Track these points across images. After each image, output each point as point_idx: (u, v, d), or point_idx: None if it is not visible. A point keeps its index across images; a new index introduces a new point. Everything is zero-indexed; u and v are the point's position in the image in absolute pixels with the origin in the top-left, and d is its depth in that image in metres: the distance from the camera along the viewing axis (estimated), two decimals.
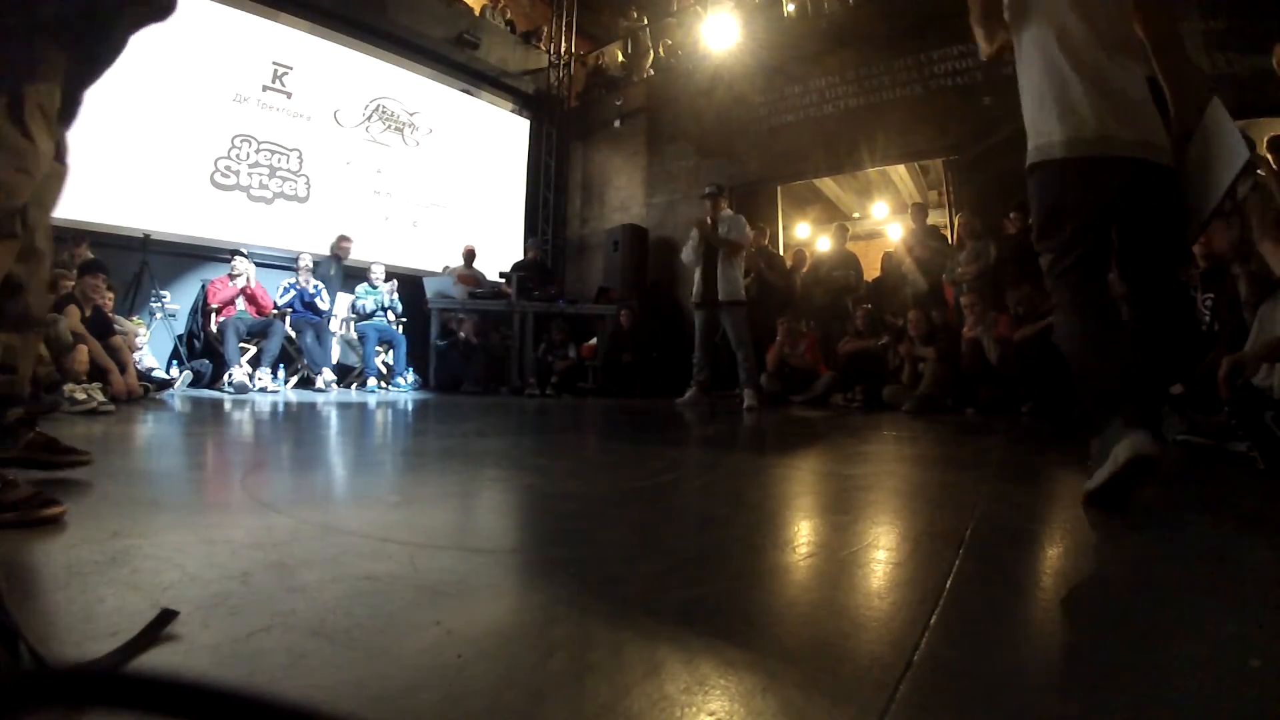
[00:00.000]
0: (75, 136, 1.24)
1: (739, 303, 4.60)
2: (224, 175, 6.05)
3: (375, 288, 6.15)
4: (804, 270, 6.52)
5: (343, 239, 6.19)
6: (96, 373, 3.45)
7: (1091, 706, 0.56)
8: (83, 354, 3.27)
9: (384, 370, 6.10)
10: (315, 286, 5.71)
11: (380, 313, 6.13)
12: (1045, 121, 1.55)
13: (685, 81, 7.65)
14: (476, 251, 7.03)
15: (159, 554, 0.94)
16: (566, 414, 4.11)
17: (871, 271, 6.65)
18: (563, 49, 9.05)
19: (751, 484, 1.76)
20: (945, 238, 5.72)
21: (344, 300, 6.29)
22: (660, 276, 7.31)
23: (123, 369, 3.77)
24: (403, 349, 6.10)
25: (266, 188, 6.33)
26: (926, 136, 5.97)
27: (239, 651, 0.63)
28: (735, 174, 6.94)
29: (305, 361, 5.58)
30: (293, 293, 5.60)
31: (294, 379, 5.68)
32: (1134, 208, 1.51)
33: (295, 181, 6.53)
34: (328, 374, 5.49)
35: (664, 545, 1.11)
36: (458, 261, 6.96)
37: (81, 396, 3.02)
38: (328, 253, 6.16)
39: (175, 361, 5.40)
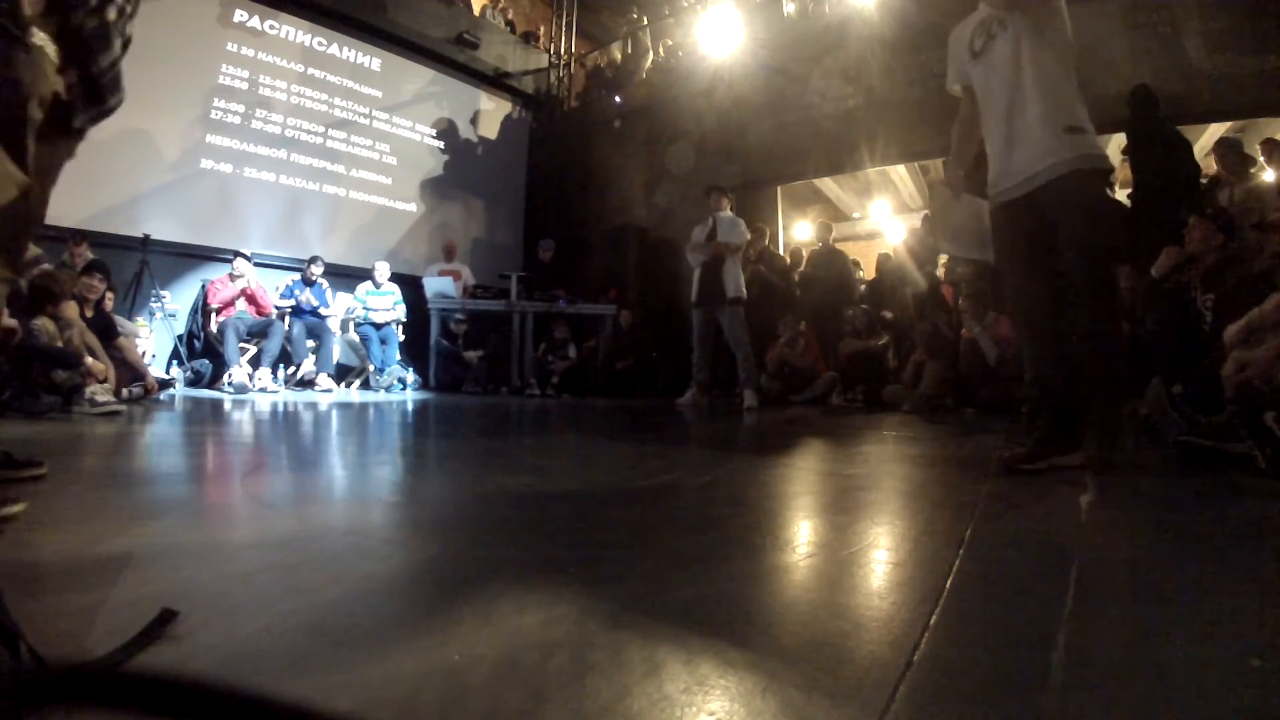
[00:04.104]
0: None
1: (739, 301, 4.60)
2: (223, 174, 6.05)
3: (379, 286, 6.13)
4: (800, 269, 6.52)
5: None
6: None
7: (1091, 706, 0.56)
8: (99, 367, 3.29)
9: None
10: (321, 290, 5.73)
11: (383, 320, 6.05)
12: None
13: (685, 81, 7.64)
14: (458, 247, 7.02)
15: (159, 554, 0.94)
16: (566, 415, 4.11)
17: (869, 272, 6.64)
18: (563, 49, 9.05)
19: (751, 484, 1.76)
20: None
21: (343, 301, 6.28)
22: (660, 276, 7.30)
23: (139, 374, 3.84)
24: (394, 348, 6.07)
25: (267, 188, 6.33)
26: (926, 136, 5.96)
27: (239, 651, 0.63)
28: (735, 174, 6.92)
29: (316, 365, 5.57)
30: (297, 291, 5.60)
31: (297, 376, 5.66)
32: None
33: (295, 181, 6.53)
34: (325, 379, 5.49)
35: (664, 545, 1.11)
36: (442, 260, 6.95)
37: (104, 398, 3.05)
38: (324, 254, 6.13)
39: (175, 361, 5.40)
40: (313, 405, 4.15)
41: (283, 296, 5.61)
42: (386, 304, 6.08)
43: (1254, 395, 1.88)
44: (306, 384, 5.40)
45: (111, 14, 1.11)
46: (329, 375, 5.55)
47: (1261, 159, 4.41)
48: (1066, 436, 1.84)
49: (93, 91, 1.15)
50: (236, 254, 5.43)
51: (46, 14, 1.02)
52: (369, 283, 6.13)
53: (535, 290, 6.41)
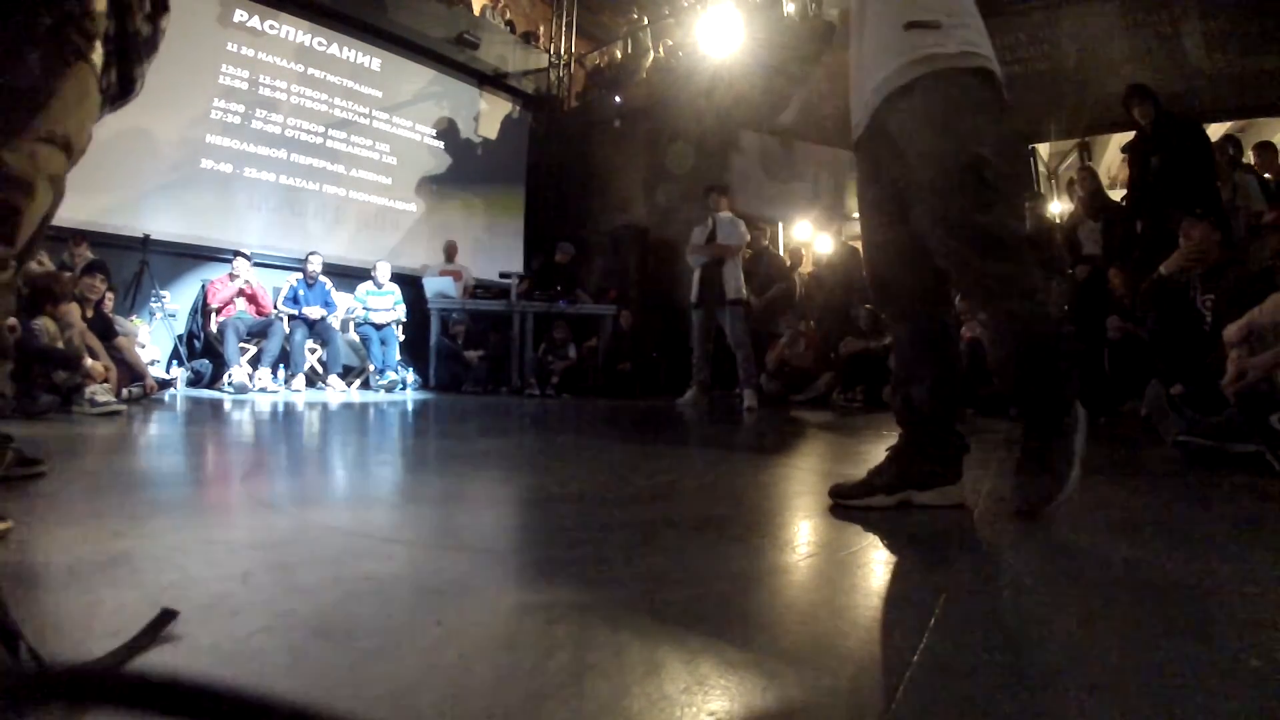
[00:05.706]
0: None
1: (740, 302, 4.60)
2: (223, 174, 6.05)
3: (380, 287, 6.13)
4: (803, 269, 6.53)
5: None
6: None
7: (1091, 706, 0.56)
8: (99, 368, 3.29)
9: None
10: (325, 288, 5.72)
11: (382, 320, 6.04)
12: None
13: (685, 81, 7.64)
14: (459, 247, 7.01)
15: (159, 554, 0.94)
16: (566, 415, 4.11)
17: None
18: (563, 49, 9.05)
19: (751, 484, 1.76)
20: None
21: (343, 301, 6.27)
22: (660, 277, 7.30)
23: (140, 374, 3.85)
24: (394, 348, 6.06)
25: (267, 188, 6.33)
26: None
27: (239, 651, 0.63)
28: None
29: (325, 367, 5.57)
30: (301, 292, 5.60)
31: (294, 382, 5.66)
32: None
33: (295, 181, 6.53)
34: (335, 380, 5.49)
35: (664, 545, 1.11)
36: (443, 260, 6.95)
37: (104, 398, 3.05)
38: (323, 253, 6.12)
39: (175, 361, 5.40)
40: (312, 406, 4.14)
41: (285, 302, 5.58)
42: (387, 304, 6.08)
43: (1257, 399, 1.88)
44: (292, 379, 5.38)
45: (165, 23, 1.11)
46: (338, 376, 5.54)
47: (1254, 161, 4.41)
48: (932, 466, 1.34)
49: (124, 85, 1.14)
50: (236, 254, 5.43)
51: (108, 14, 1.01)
52: (369, 282, 6.13)
53: (537, 290, 6.41)
